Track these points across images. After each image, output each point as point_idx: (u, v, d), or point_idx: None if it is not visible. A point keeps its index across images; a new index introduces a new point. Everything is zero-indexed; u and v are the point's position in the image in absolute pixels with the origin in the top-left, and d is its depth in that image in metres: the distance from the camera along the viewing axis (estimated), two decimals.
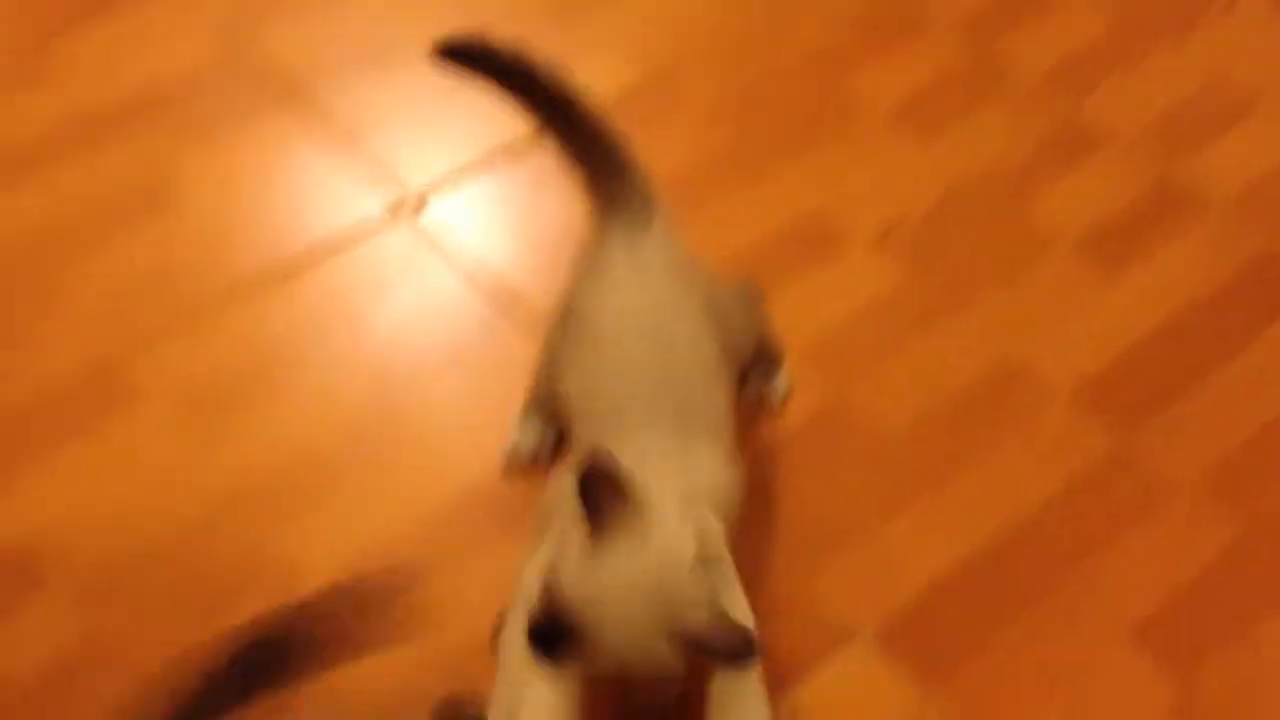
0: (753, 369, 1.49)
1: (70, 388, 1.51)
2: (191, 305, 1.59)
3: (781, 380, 1.50)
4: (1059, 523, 1.43)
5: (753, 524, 1.41)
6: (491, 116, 1.72)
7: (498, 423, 1.46)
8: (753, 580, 1.37)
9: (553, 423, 1.43)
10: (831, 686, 1.31)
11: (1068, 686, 1.32)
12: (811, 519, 1.42)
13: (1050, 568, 1.40)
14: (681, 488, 1.12)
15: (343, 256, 1.64)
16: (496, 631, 1.18)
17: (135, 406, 1.50)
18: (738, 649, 1.02)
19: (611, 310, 1.22)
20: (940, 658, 1.33)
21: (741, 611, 1.12)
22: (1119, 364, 1.56)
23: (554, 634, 1.05)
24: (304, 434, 1.48)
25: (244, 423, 1.49)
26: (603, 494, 1.04)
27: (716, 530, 1.12)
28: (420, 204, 1.69)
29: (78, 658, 1.31)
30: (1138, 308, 1.61)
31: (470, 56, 1.30)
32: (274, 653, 1.26)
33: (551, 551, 1.12)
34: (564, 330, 1.27)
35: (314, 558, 1.38)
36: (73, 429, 1.47)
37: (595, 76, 1.65)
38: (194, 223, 1.66)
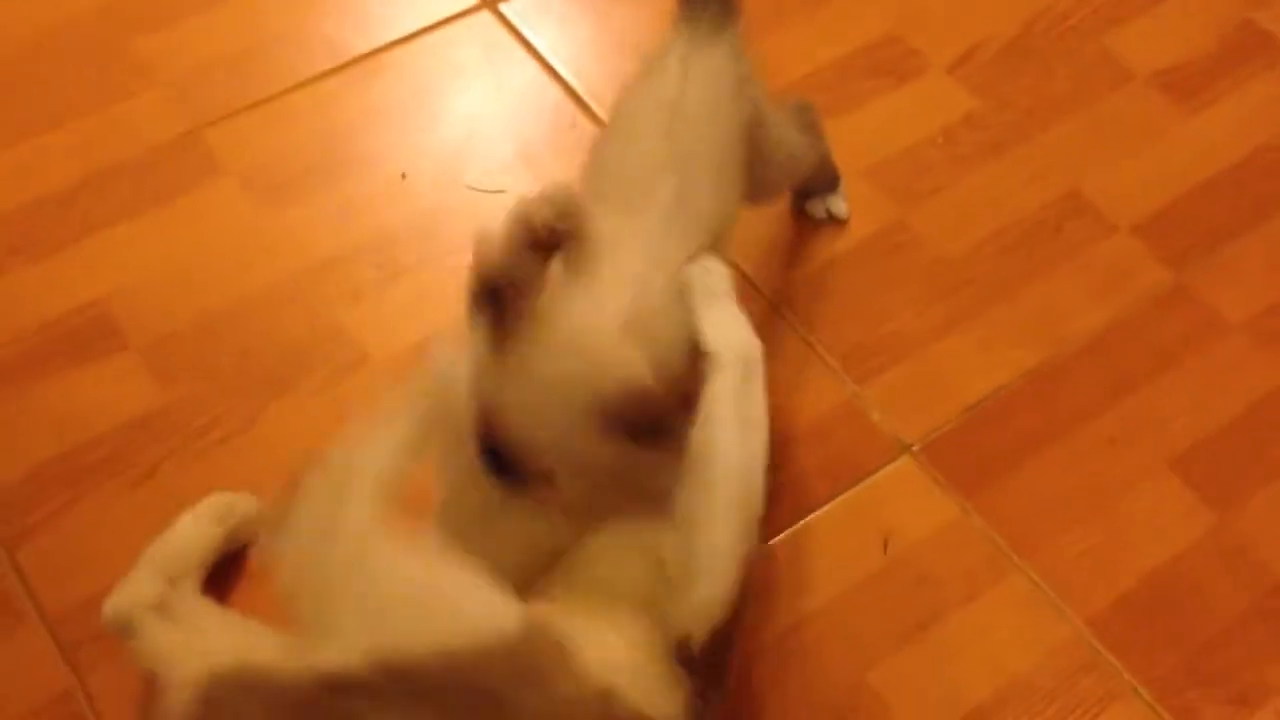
0: (811, 191, 1.51)
1: (150, 157, 1.54)
2: (272, 85, 1.61)
3: (837, 204, 1.52)
4: (1107, 353, 1.45)
5: (805, 338, 1.44)
6: None
7: None
8: (803, 393, 1.41)
9: None
10: (877, 497, 1.35)
11: (1105, 507, 1.35)
12: (864, 335, 1.45)
13: (1095, 395, 1.42)
14: (643, 275, 1.09)
15: (422, 43, 1.65)
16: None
17: (212, 180, 1.53)
18: (657, 420, 0.97)
19: (642, 97, 1.20)
20: (983, 473, 1.36)
21: (723, 335, 1.06)
22: (1183, 201, 1.56)
23: (502, 458, 1.01)
24: (376, 219, 1.51)
25: (317, 202, 1.52)
26: (496, 299, 1.00)
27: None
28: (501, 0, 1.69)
29: (154, 412, 1.37)
30: (1208, 147, 1.60)
31: None
32: None
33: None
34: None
35: (379, 337, 1.42)
36: (151, 197, 1.51)
37: None
38: (277, 2, 1.68)
